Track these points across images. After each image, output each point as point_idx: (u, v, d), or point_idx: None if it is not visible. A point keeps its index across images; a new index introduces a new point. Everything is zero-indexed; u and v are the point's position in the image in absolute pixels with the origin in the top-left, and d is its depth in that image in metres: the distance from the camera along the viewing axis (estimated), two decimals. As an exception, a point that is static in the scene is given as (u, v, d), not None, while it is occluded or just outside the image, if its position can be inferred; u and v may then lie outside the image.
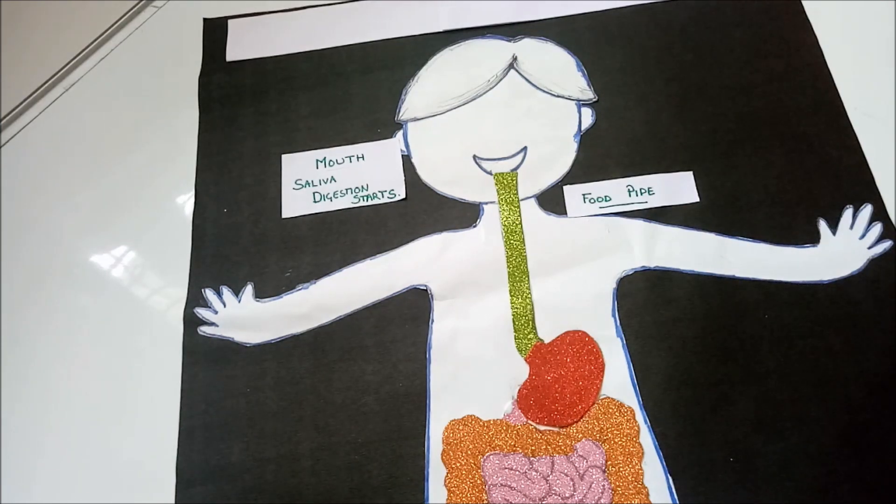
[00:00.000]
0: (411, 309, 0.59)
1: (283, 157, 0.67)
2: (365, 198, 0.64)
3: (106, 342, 0.60)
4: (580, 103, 0.68)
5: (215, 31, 0.76)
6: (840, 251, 0.59)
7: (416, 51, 0.72)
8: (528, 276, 0.60)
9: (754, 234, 0.60)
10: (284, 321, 0.59)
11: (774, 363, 0.54)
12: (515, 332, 0.58)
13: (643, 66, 0.69)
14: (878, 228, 0.59)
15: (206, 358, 0.58)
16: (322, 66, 0.73)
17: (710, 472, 0.51)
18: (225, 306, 0.60)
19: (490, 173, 0.65)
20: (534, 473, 0.52)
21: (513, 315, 0.58)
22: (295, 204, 0.65)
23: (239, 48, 0.75)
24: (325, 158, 0.67)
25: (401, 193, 0.64)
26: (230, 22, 0.77)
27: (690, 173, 0.63)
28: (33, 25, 0.79)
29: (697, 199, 0.62)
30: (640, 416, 0.54)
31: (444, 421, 0.55)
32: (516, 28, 0.72)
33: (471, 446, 0.54)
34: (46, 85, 0.75)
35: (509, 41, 0.71)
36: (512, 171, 0.65)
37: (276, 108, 0.70)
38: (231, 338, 0.59)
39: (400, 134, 0.68)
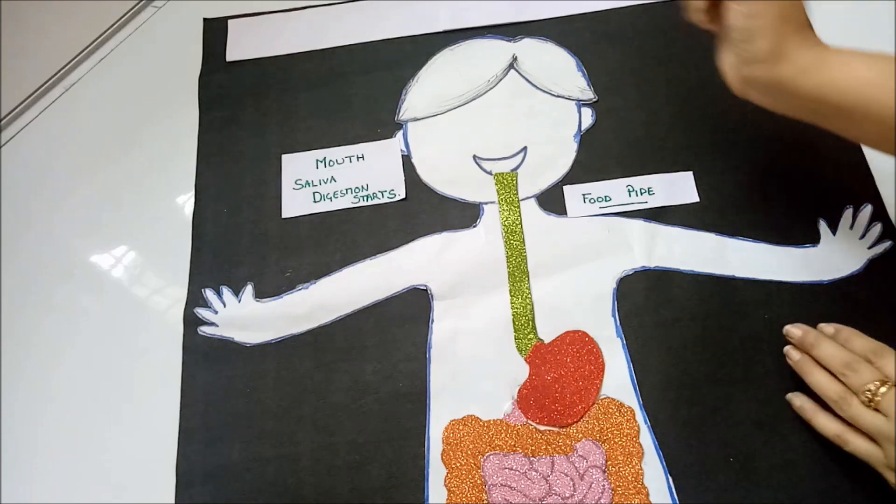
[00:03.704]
0: (411, 309, 0.59)
1: (283, 157, 0.67)
2: (365, 198, 0.64)
3: (106, 342, 0.60)
4: (580, 103, 0.68)
5: (215, 31, 0.76)
6: (840, 251, 0.59)
7: (416, 51, 0.72)
8: (528, 276, 0.60)
9: (754, 234, 0.60)
10: (284, 321, 0.59)
11: (774, 363, 0.54)
12: (515, 332, 0.58)
13: (643, 66, 0.69)
14: (878, 228, 0.59)
15: (206, 358, 0.58)
16: (322, 66, 0.73)
17: (710, 472, 0.51)
18: (225, 306, 0.60)
19: (490, 173, 0.65)
20: (534, 473, 0.52)
21: (513, 315, 0.58)
22: (295, 204, 0.65)
23: (239, 48, 0.75)
24: (325, 158, 0.67)
25: (401, 193, 0.64)
26: (230, 22, 0.77)
27: (690, 173, 0.63)
28: (33, 25, 0.78)
29: (697, 199, 0.62)
30: (640, 416, 0.54)
31: (444, 421, 0.55)
32: (516, 28, 0.72)
33: (471, 446, 0.54)
34: (46, 85, 0.75)
35: (509, 41, 0.71)
36: (512, 171, 0.65)
37: (276, 108, 0.70)
38: (231, 338, 0.59)
39: (400, 134, 0.68)
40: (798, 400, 0.52)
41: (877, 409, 0.46)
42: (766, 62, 0.45)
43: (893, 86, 0.42)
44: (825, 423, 0.50)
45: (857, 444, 0.47)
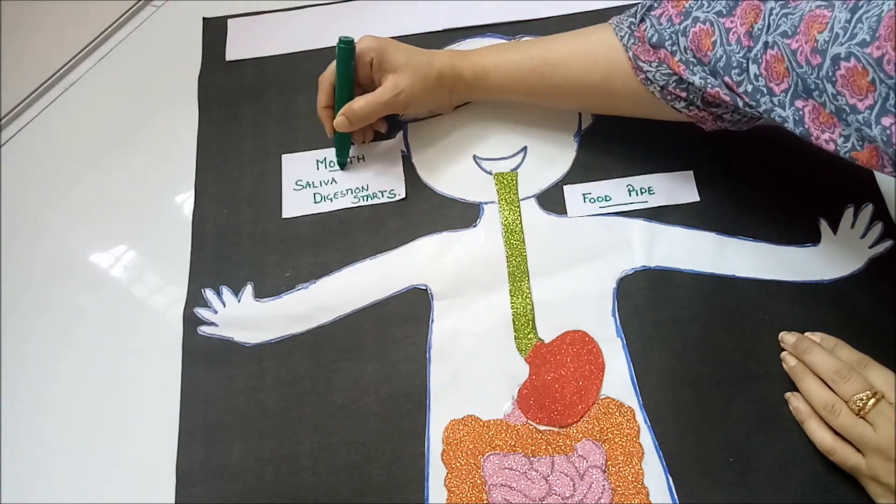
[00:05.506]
0: (411, 309, 0.59)
1: (284, 157, 0.67)
2: (365, 198, 0.64)
3: (105, 342, 0.60)
4: (580, 102, 0.67)
5: (215, 31, 0.76)
6: (841, 251, 0.59)
7: (416, 50, 0.72)
8: (528, 276, 0.59)
9: (754, 234, 0.60)
10: (284, 321, 0.59)
11: (774, 363, 0.54)
12: (515, 332, 0.58)
13: (643, 65, 0.69)
14: (878, 228, 0.59)
15: (206, 358, 0.58)
16: (322, 65, 0.72)
17: (710, 472, 0.51)
18: (225, 306, 0.60)
19: (490, 173, 0.65)
20: (534, 473, 0.52)
21: (513, 315, 0.58)
22: (295, 204, 0.64)
23: (238, 47, 0.75)
24: (325, 159, 0.66)
25: (401, 193, 0.64)
26: (230, 21, 0.77)
27: (691, 173, 0.63)
28: (33, 25, 0.78)
29: (697, 199, 0.62)
30: (640, 416, 0.54)
31: (444, 421, 0.55)
32: (516, 27, 0.72)
33: (471, 446, 0.53)
34: (46, 84, 0.75)
35: (509, 40, 0.71)
36: (512, 170, 0.65)
37: (276, 108, 0.70)
38: (231, 338, 0.59)
39: (400, 134, 0.68)
40: (795, 401, 0.52)
41: (865, 419, 0.47)
42: None
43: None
44: (815, 430, 0.50)
45: (844, 455, 0.48)
